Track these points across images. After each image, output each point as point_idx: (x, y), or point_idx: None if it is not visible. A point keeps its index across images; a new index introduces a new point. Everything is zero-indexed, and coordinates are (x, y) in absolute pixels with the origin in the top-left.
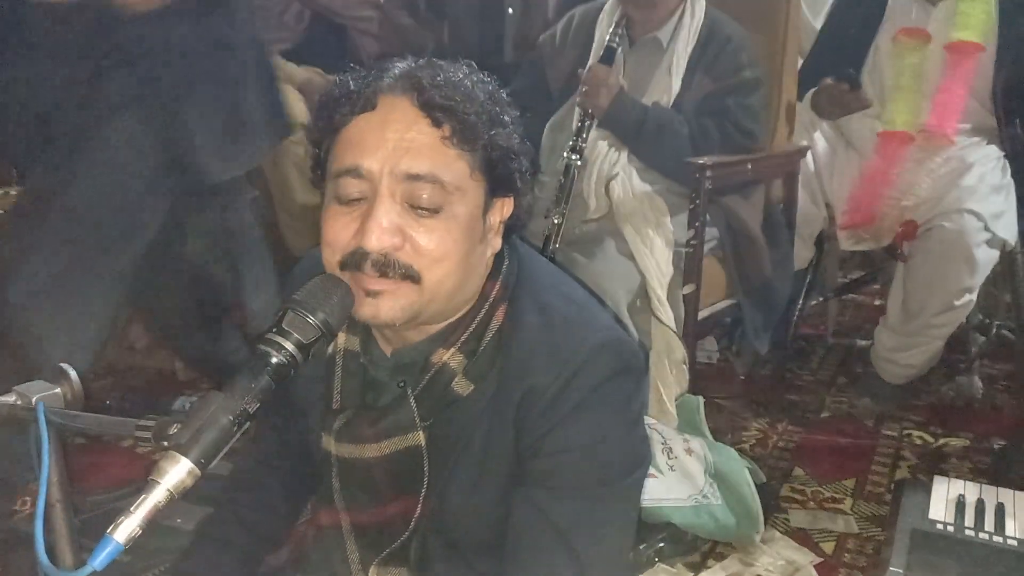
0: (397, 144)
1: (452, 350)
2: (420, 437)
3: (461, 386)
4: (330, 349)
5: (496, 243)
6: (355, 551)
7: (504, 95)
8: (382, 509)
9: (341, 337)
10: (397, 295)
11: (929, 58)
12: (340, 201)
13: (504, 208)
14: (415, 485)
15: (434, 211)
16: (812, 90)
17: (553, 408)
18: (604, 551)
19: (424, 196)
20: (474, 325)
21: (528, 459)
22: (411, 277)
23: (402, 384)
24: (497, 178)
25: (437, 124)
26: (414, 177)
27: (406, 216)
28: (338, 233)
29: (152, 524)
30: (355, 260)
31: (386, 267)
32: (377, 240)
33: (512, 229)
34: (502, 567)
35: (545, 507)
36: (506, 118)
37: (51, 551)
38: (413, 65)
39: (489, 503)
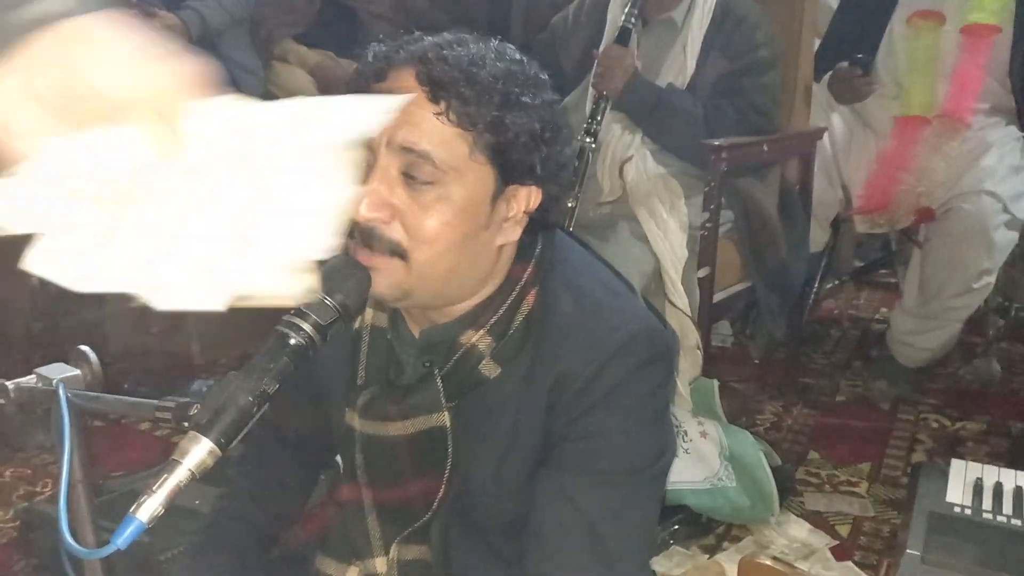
0: (396, 115)
1: (481, 332)
2: (445, 418)
3: (488, 368)
4: (357, 324)
5: (512, 233)
6: (376, 527)
7: (539, 77)
8: (405, 487)
9: (369, 313)
10: (385, 272)
11: (944, 40)
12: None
13: (530, 198)
14: (439, 465)
15: (428, 188)
16: (829, 73)
17: (585, 394)
18: (629, 537)
19: (418, 170)
20: (504, 308)
21: (558, 444)
22: (398, 254)
23: (427, 364)
24: (510, 163)
25: (435, 99)
26: (407, 150)
27: (400, 191)
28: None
29: (172, 506)
30: (349, 228)
31: (370, 239)
32: (364, 210)
33: (539, 222)
34: (524, 549)
35: (572, 492)
36: (526, 100)
37: (73, 531)
38: (428, 39)
39: (513, 487)
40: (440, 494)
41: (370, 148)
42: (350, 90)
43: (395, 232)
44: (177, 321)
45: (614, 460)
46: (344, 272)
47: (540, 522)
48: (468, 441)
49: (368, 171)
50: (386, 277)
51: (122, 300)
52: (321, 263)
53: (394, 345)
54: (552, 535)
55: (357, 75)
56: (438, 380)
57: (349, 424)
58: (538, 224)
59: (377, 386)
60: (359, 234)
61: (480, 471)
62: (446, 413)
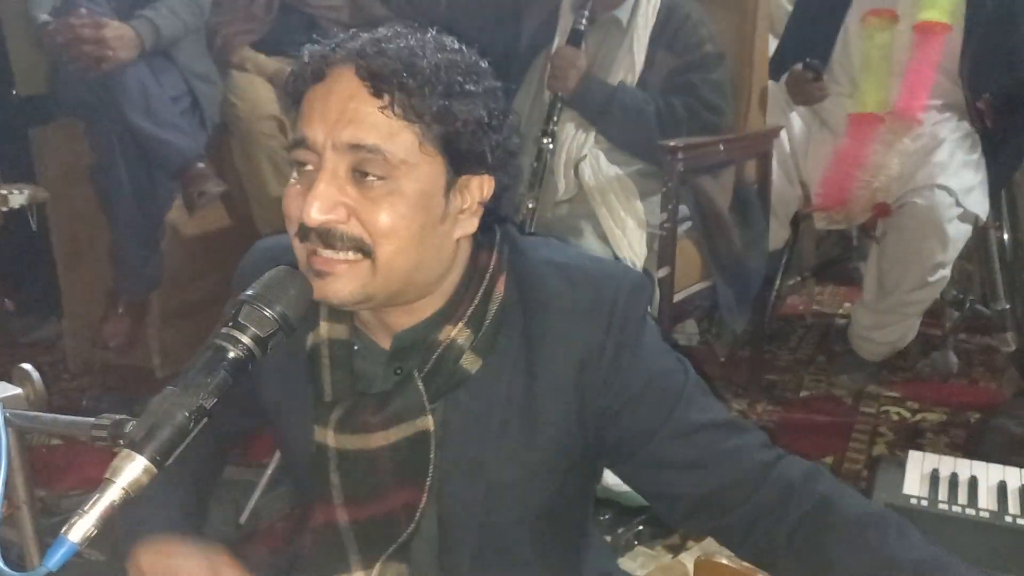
0: (340, 114)
1: (459, 325)
2: (429, 422)
3: (469, 362)
4: (311, 341)
5: (469, 225)
6: (355, 547)
7: (480, 65)
8: (386, 502)
9: (324, 327)
10: (348, 276)
11: (897, 38)
12: (297, 173)
13: (484, 187)
14: (420, 474)
15: (380, 183)
16: (786, 74)
17: (620, 356)
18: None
19: (369, 165)
20: (478, 298)
21: (622, 416)
22: (363, 251)
23: (399, 371)
24: (460, 153)
25: (377, 93)
26: (356, 147)
27: (352, 189)
28: (291, 206)
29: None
30: (303, 233)
31: (331, 239)
32: (316, 213)
33: (493, 213)
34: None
35: (689, 434)
36: (470, 88)
37: (20, 553)
38: (364, 34)
39: (502, 487)
40: (421, 504)
41: (315, 151)
42: (288, 94)
43: (355, 229)
44: (137, 335)
45: (673, 386)
46: (284, 283)
47: (708, 478)
48: (451, 444)
49: (314, 176)
50: (348, 282)
51: (80, 315)
52: (251, 275)
53: (359, 356)
54: (713, 470)
55: (294, 77)
56: (419, 382)
57: (320, 443)
58: (492, 215)
59: (350, 399)
60: (317, 237)
61: (464, 475)
62: (429, 416)
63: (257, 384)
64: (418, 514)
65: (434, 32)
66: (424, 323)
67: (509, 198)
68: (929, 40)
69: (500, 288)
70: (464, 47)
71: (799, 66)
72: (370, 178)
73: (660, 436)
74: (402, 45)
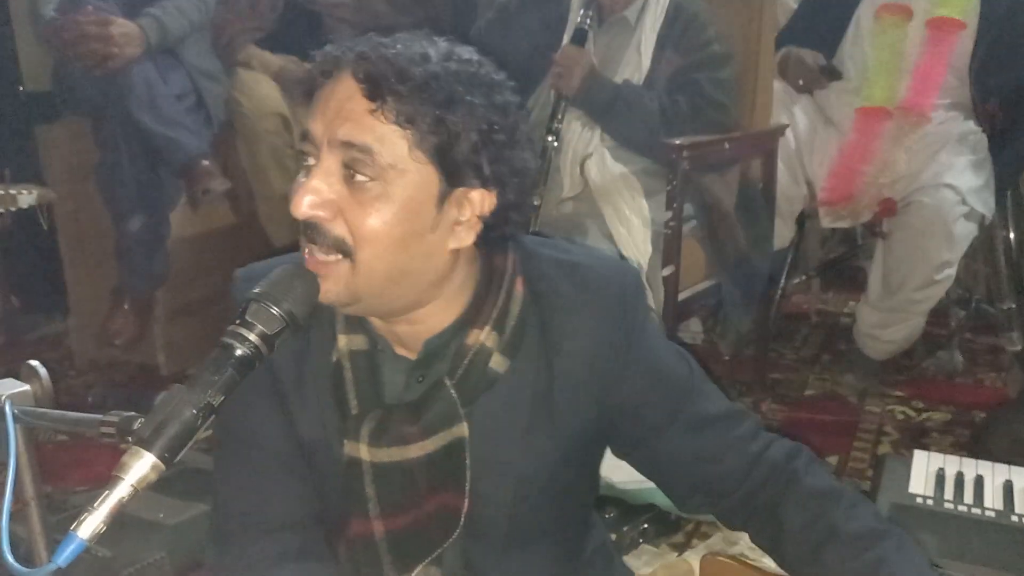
0: (337, 112)
1: (486, 328)
2: (464, 428)
3: (497, 363)
4: (334, 357)
5: (466, 237)
6: (389, 558)
7: (491, 77)
8: (420, 510)
9: (342, 340)
10: (333, 276)
11: (910, 35)
12: (302, 164)
13: (484, 202)
14: (456, 479)
15: (369, 185)
16: (779, 54)
17: (630, 350)
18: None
19: (359, 165)
20: (500, 300)
21: (640, 410)
22: (343, 251)
23: (421, 379)
24: (454, 164)
25: (371, 96)
26: (348, 145)
27: (340, 188)
28: (291, 198)
29: (137, 520)
30: (298, 226)
31: (315, 234)
32: (305, 206)
33: (495, 228)
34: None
35: (695, 425)
36: (471, 100)
37: (28, 549)
38: (375, 39)
39: (528, 482)
40: (465, 508)
41: (314, 144)
42: (303, 89)
43: (339, 228)
44: (143, 332)
45: (680, 377)
46: (290, 280)
47: (701, 463)
48: (482, 446)
49: (312, 169)
50: (334, 283)
51: (86, 312)
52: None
53: (379, 366)
54: (726, 455)
55: (308, 74)
56: (451, 389)
57: (352, 457)
58: (494, 231)
59: (381, 410)
60: (303, 230)
61: (496, 475)
62: (465, 423)
63: (292, 420)
64: (462, 519)
65: (446, 40)
66: (451, 328)
67: (519, 216)
68: (942, 36)
69: (519, 288)
70: (479, 59)
71: (797, 50)
72: (360, 178)
73: (671, 430)
74: (402, 51)
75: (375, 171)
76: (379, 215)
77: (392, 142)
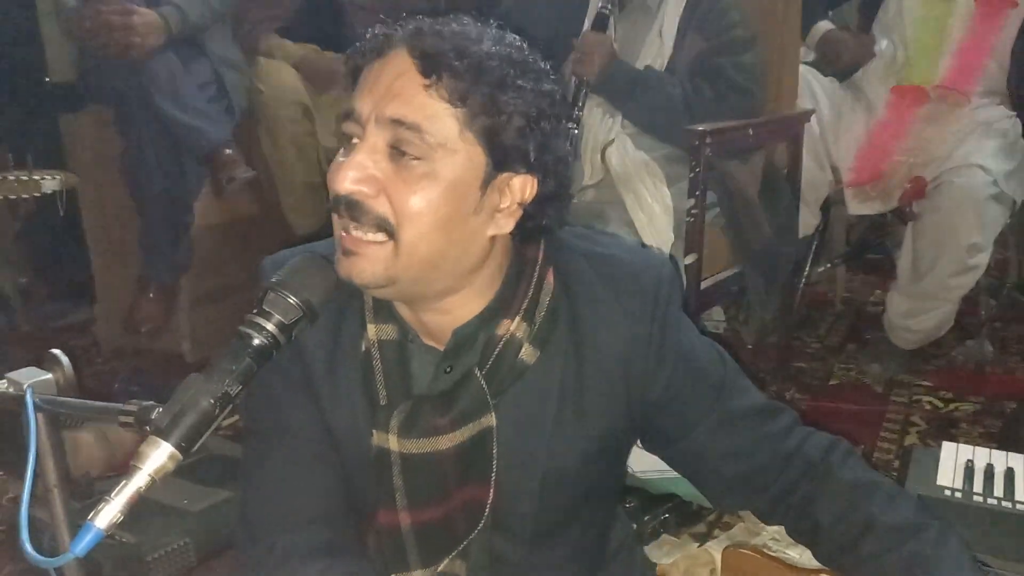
0: (387, 89)
1: (517, 319)
2: (492, 418)
3: (528, 354)
4: (363, 347)
5: (505, 224)
6: (415, 549)
7: (538, 65)
8: (448, 501)
9: (371, 329)
10: (372, 257)
11: (954, 13)
12: (343, 148)
13: (525, 188)
14: (482, 470)
15: (416, 163)
16: (821, 35)
17: (664, 344)
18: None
19: (407, 144)
20: (531, 290)
21: (663, 405)
22: (386, 229)
23: (448, 370)
24: (502, 147)
25: (425, 73)
26: (397, 122)
27: (386, 165)
28: (333, 175)
29: (160, 505)
30: (335, 204)
31: (357, 212)
32: (348, 183)
33: (533, 218)
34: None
35: (729, 420)
36: (522, 84)
37: (51, 537)
38: (427, 20)
39: (555, 475)
40: (490, 499)
41: (359, 123)
42: (348, 68)
43: (382, 206)
44: (168, 320)
45: (714, 373)
46: (308, 270)
47: (736, 459)
48: (509, 437)
49: (357, 146)
50: (372, 263)
51: (112, 300)
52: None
53: (408, 355)
54: (759, 455)
55: (355, 52)
56: (480, 379)
57: (381, 447)
58: (532, 220)
59: (410, 401)
60: (345, 208)
61: (522, 467)
62: (493, 413)
63: (322, 410)
64: (487, 510)
65: (495, 25)
66: (479, 317)
67: (557, 208)
68: (990, 14)
69: (550, 279)
70: (525, 46)
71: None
72: (407, 157)
73: (704, 425)
74: (458, 30)
75: (422, 150)
76: (424, 194)
77: (442, 121)
